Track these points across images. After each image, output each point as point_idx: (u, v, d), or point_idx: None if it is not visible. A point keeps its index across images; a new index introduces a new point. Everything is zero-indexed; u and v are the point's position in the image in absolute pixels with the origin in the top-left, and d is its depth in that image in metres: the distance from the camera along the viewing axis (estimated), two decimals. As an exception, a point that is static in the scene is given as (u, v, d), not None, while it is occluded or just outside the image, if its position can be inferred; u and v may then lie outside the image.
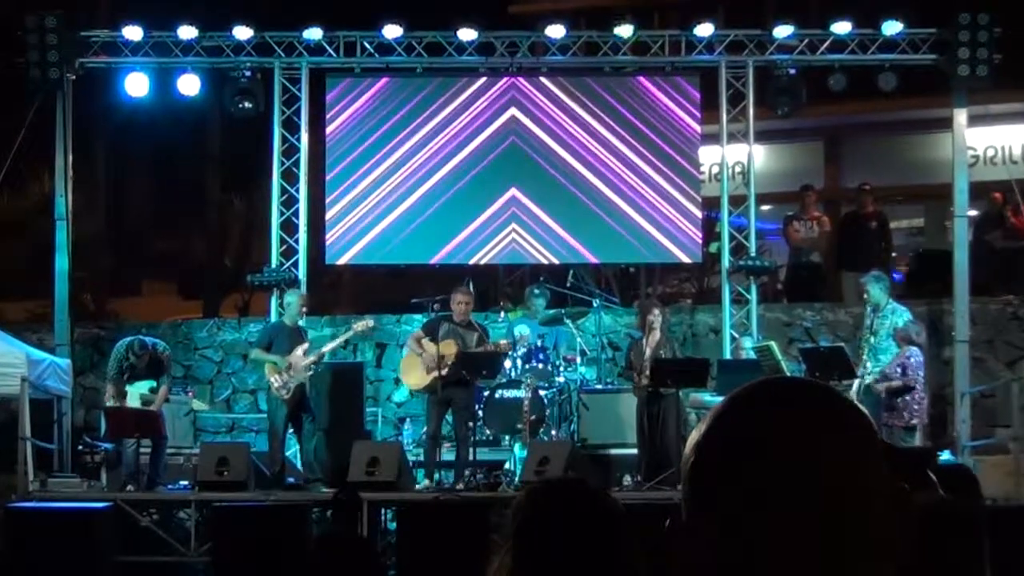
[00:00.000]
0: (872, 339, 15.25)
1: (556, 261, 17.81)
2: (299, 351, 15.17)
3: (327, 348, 15.65)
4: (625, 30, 17.26)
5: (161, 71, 17.54)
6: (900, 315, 15.28)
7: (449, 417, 15.26)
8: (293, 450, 15.79)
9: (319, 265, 18.59)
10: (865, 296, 15.51)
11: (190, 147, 24.13)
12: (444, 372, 14.69)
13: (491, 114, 17.77)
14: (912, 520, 1.58)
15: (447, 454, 15.20)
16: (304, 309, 15.72)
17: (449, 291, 15.64)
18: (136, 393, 15.25)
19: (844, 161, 23.61)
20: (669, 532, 1.62)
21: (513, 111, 17.74)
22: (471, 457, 14.77)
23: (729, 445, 1.58)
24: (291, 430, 15.34)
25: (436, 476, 14.97)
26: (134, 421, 14.91)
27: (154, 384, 15.28)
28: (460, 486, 14.38)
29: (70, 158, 17.37)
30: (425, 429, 15.31)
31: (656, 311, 15.28)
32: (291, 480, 15.07)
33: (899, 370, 14.65)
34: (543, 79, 17.82)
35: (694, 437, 1.63)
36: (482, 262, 17.96)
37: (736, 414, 1.61)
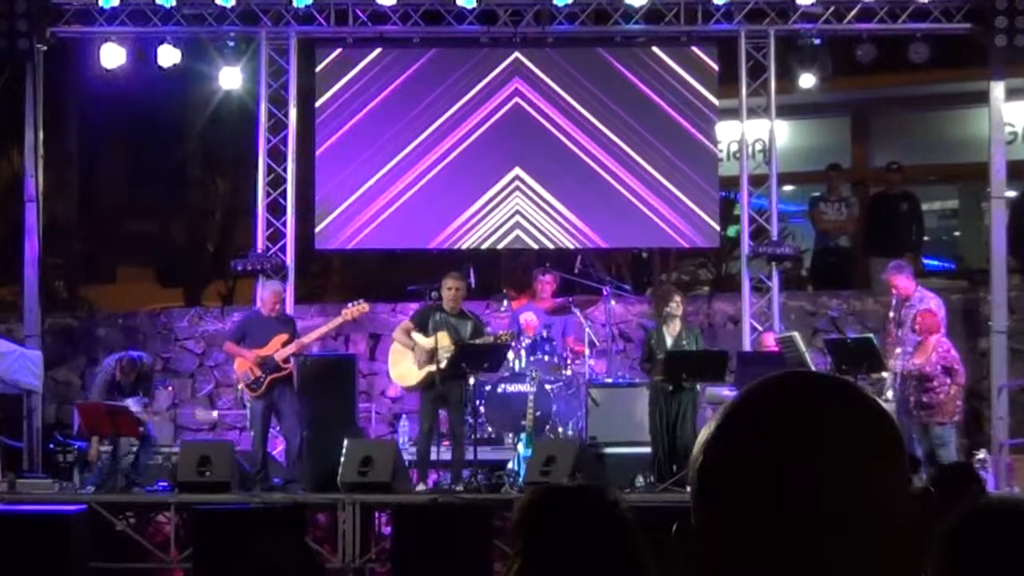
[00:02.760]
0: (899, 331, 15.25)
1: (563, 246, 17.79)
2: (275, 343, 15.14)
3: (311, 337, 15.63)
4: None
5: (139, 41, 17.50)
6: (925, 304, 15.25)
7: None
8: (282, 447, 15.80)
9: (308, 250, 18.57)
10: (893, 291, 15.51)
11: (169, 123, 24.06)
12: (441, 366, 14.66)
13: (493, 87, 17.74)
14: (934, 527, 1.58)
15: (444, 453, 15.15)
16: (278, 306, 15.64)
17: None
18: None
19: (872, 138, 23.54)
20: (677, 536, 1.63)
21: (517, 83, 17.71)
22: (473, 456, 14.74)
23: (737, 445, 1.58)
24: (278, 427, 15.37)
25: (434, 476, 14.98)
26: (109, 417, 14.91)
27: (145, 400, 15.44)
28: (459, 487, 14.38)
29: (40, 135, 17.34)
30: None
31: (677, 297, 15.27)
32: (277, 480, 15.08)
33: (940, 368, 14.63)
34: (549, 49, 17.80)
35: (703, 435, 1.63)
36: (484, 247, 17.95)
37: (746, 412, 1.60)
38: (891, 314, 15.77)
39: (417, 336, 14.96)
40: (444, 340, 14.76)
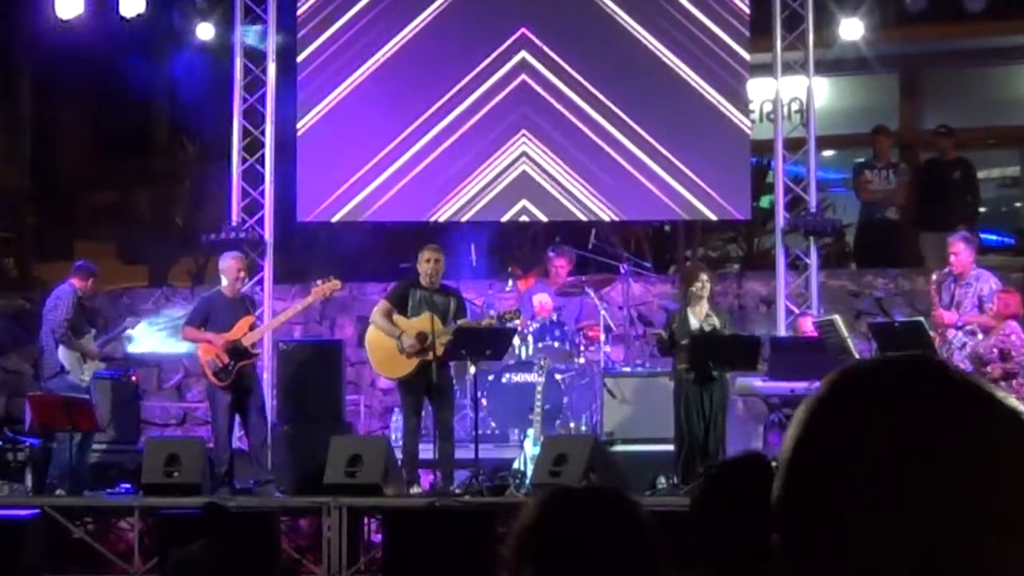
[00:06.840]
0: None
1: (576, 218, 17.75)
2: (242, 326, 15.08)
3: (279, 319, 15.59)
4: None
5: (97, -12, 17.51)
6: (986, 282, 15.22)
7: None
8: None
9: (289, 223, 18.55)
10: (951, 260, 15.34)
11: (133, 82, 24.07)
12: (437, 352, 14.62)
13: (497, 40, 17.69)
14: None
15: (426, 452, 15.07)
16: (243, 274, 15.52)
17: (448, 254, 15.54)
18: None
19: (923, 97, 23.52)
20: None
21: (524, 32, 17.64)
22: (474, 455, 14.72)
23: (835, 443, 1.55)
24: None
25: (430, 478, 14.97)
26: (65, 411, 14.87)
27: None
28: (456, 489, 14.36)
29: (-12, 94, 17.36)
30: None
31: (703, 276, 15.23)
32: (253, 481, 15.04)
33: (996, 352, 14.60)
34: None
35: (800, 414, 1.60)
36: (487, 220, 17.92)
37: (844, 403, 1.57)
38: (933, 286, 15.53)
39: (400, 319, 14.88)
40: (426, 323, 14.68)
